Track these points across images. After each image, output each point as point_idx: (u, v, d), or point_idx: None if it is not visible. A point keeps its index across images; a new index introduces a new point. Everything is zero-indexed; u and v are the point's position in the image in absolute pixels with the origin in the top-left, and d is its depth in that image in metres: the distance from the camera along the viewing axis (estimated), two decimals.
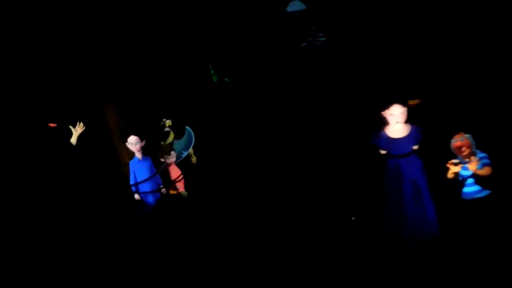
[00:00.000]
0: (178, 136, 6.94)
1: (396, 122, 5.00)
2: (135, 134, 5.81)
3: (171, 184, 6.29)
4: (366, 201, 5.52)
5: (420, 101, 7.10)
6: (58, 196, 5.70)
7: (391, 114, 4.99)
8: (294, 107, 7.38)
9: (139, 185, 5.91)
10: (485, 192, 5.12)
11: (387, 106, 4.98)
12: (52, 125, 5.82)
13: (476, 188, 5.15)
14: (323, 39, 8.17)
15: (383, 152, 5.18)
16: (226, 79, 8.34)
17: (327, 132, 7.01)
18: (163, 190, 6.07)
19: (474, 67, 6.65)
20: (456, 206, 5.01)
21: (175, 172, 6.41)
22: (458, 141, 5.06)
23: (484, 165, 5.05)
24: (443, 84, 6.90)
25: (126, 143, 5.88)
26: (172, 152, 6.39)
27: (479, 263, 4.59)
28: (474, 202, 5.12)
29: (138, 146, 5.87)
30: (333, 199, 6.13)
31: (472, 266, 4.58)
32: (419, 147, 5.12)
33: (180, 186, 6.41)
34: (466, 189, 5.18)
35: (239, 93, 8.01)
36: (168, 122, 6.85)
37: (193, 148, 6.98)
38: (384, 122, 5.14)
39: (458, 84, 6.71)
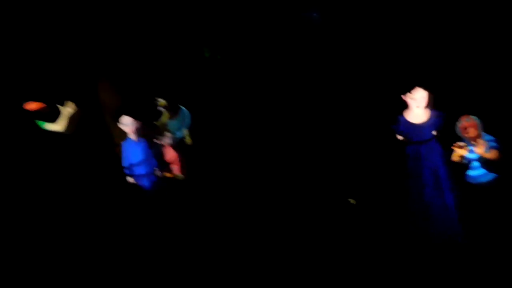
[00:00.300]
0: (172, 116, 6.69)
1: (417, 107, 4.76)
2: (130, 115, 5.55)
3: (166, 166, 6.05)
4: (387, 189, 5.36)
5: None
6: (47, 179, 5.44)
7: (412, 98, 4.75)
8: (295, 84, 7.14)
9: (133, 168, 5.67)
10: (491, 176, 5.02)
11: (409, 89, 4.75)
12: (38, 105, 5.44)
13: (481, 171, 5.05)
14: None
15: (400, 138, 4.97)
16: (218, 56, 8.13)
17: (340, 118, 6.82)
18: (158, 172, 5.84)
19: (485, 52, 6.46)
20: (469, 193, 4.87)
21: (170, 154, 6.15)
22: (464, 122, 4.94)
23: (491, 148, 4.93)
24: (452, 68, 6.74)
25: (120, 124, 5.61)
26: (168, 133, 6.14)
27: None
28: (480, 186, 5.04)
29: (133, 127, 5.60)
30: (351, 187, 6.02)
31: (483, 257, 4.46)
32: (439, 133, 4.93)
33: (176, 168, 6.17)
34: (471, 172, 5.09)
35: (236, 71, 7.75)
36: (162, 102, 6.59)
37: (188, 129, 6.79)
38: (404, 107, 4.91)
39: (466, 68, 6.53)
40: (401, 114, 4.87)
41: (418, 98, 4.70)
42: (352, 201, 6.07)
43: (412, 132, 4.80)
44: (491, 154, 4.91)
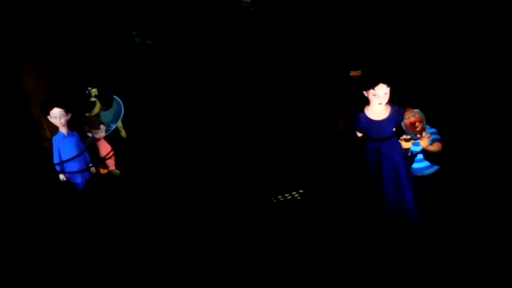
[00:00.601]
0: (105, 107, 6.20)
1: (379, 103, 4.56)
2: (59, 106, 5.02)
3: (101, 161, 5.57)
4: (347, 187, 5.21)
5: (361, 73, 6.96)
6: None
7: (374, 95, 4.51)
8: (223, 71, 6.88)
9: (65, 164, 5.15)
10: (434, 168, 5.04)
11: (371, 85, 4.49)
12: None
13: (425, 164, 5.05)
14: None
15: (360, 135, 4.81)
16: (148, 41, 7.74)
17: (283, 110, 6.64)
18: (93, 169, 5.34)
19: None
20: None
21: (105, 148, 5.65)
22: (411, 117, 4.88)
23: (434, 140, 4.94)
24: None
25: (48, 117, 5.07)
26: (102, 126, 5.66)
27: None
28: (424, 178, 5.05)
29: (63, 120, 5.06)
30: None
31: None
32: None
33: (111, 163, 5.67)
34: (415, 165, 5.07)
35: (169, 57, 7.37)
36: (94, 91, 6.09)
37: (122, 120, 6.34)
38: (362, 102, 4.67)
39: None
40: (360, 110, 4.71)
41: (381, 95, 4.52)
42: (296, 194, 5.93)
43: (373, 129, 4.62)
44: (435, 147, 4.92)
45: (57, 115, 5.02)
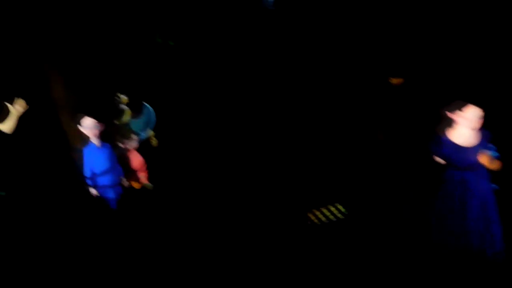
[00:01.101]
0: (135, 115, 5.85)
1: (469, 128, 3.96)
2: (92, 116, 4.64)
3: (132, 174, 5.20)
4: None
5: (403, 80, 6.59)
6: None
7: (465, 118, 3.93)
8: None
9: (97, 178, 4.77)
10: (493, 187, 4.63)
11: (461, 106, 3.93)
12: None
13: None
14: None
15: (440, 161, 4.14)
16: (170, 42, 7.39)
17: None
18: (126, 183, 4.98)
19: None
20: None
21: (136, 159, 5.29)
22: None
23: (494, 158, 4.53)
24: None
25: (80, 127, 4.69)
26: (134, 136, 5.28)
27: None
28: None
29: (96, 131, 4.71)
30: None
31: None
32: None
33: (143, 176, 5.32)
34: None
35: (200, 64, 7.01)
36: (125, 98, 5.72)
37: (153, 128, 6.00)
38: (443, 123, 4.08)
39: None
40: (439, 132, 4.17)
41: (472, 118, 4.00)
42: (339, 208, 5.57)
43: (457, 156, 4.02)
44: (494, 165, 4.51)
45: (90, 125, 4.65)
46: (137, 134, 5.44)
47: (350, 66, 6.74)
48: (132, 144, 5.25)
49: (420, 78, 6.34)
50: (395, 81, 6.45)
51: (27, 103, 4.54)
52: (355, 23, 6.72)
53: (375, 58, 6.64)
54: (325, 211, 5.63)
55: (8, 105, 4.49)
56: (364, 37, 6.70)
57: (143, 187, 5.24)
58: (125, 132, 5.29)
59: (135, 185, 5.18)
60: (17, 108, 4.53)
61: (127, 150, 5.25)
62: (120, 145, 5.20)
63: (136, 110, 5.79)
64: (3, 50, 4.86)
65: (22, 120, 4.55)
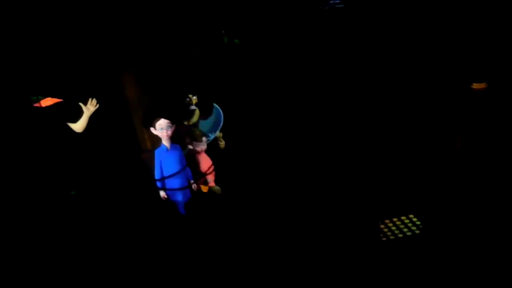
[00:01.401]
0: (205, 116, 5.74)
1: None
2: (166, 117, 4.55)
3: (201, 177, 5.09)
4: None
5: (487, 85, 6.19)
6: (60, 193, 4.51)
7: None
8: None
9: (167, 180, 4.69)
10: None
11: None
12: (54, 100, 4.47)
13: None
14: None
15: None
16: (236, 40, 7.23)
17: None
18: (194, 186, 4.88)
19: None
20: None
21: (205, 162, 5.18)
22: None
23: None
24: None
25: (152, 128, 4.62)
26: (204, 138, 5.17)
27: None
28: None
29: (170, 132, 4.62)
30: None
31: None
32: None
33: (211, 179, 5.21)
34: None
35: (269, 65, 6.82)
36: (195, 99, 5.62)
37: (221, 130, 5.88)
38: None
39: None
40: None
41: None
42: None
43: None
44: None
45: (164, 127, 4.57)
46: (206, 135, 5.34)
47: (431, 71, 6.40)
48: (201, 146, 5.15)
49: (503, 83, 5.93)
50: (477, 86, 6.07)
51: (100, 103, 4.52)
52: (437, 25, 6.37)
53: (456, 62, 6.26)
54: (398, 222, 5.34)
55: (81, 104, 4.48)
56: (446, 41, 6.35)
57: (211, 191, 5.14)
58: (195, 133, 5.18)
59: (204, 188, 5.07)
60: (89, 108, 4.52)
61: (196, 152, 5.16)
62: (190, 147, 5.12)
63: (205, 111, 5.67)
64: (78, 49, 4.85)
65: (93, 120, 4.55)
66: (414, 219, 5.37)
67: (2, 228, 4.41)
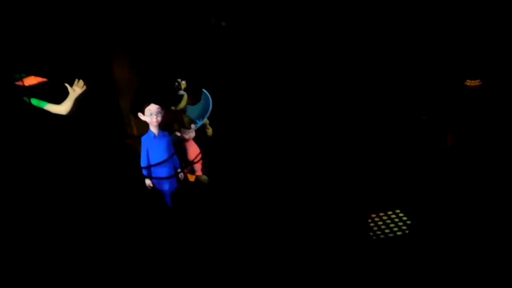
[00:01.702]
0: (193, 101, 5.53)
1: None
2: (156, 102, 4.34)
3: (188, 165, 4.92)
4: None
5: (481, 83, 6.12)
6: (42, 176, 4.29)
7: None
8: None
9: (153, 169, 4.49)
10: None
11: None
12: (38, 79, 4.23)
13: None
14: None
15: None
16: (223, 23, 7.01)
17: None
18: (181, 175, 4.70)
19: None
20: None
21: (193, 150, 5.00)
22: None
23: None
24: None
25: (141, 114, 4.42)
26: (193, 125, 4.98)
27: None
28: None
29: (159, 118, 4.42)
30: None
31: None
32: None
33: (198, 168, 5.04)
34: None
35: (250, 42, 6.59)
36: (184, 84, 5.41)
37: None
38: None
39: None
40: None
41: None
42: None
43: None
44: None
45: (153, 112, 4.37)
46: (195, 122, 5.15)
47: (423, 67, 6.29)
48: (190, 133, 4.97)
49: (498, 80, 5.86)
50: (471, 83, 5.99)
51: (87, 84, 4.29)
52: (432, 21, 6.25)
53: (450, 59, 6.17)
54: (385, 217, 5.28)
55: (68, 86, 4.24)
56: (440, 36, 6.24)
57: (198, 180, 4.98)
58: (183, 120, 4.98)
59: (190, 177, 4.91)
60: (75, 89, 4.29)
61: (184, 139, 4.98)
62: (178, 134, 4.93)
63: (195, 96, 5.48)
64: (67, 28, 4.60)
65: (79, 102, 4.32)
66: (401, 215, 5.32)
67: None
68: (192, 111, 5.61)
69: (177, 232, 4.48)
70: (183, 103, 5.50)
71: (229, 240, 4.55)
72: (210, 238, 4.52)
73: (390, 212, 5.31)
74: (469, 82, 6.05)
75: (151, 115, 4.37)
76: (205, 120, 5.75)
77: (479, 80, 6.01)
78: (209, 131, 5.78)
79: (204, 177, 5.04)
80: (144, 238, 4.32)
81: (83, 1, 4.55)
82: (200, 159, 5.04)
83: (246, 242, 4.54)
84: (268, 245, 4.51)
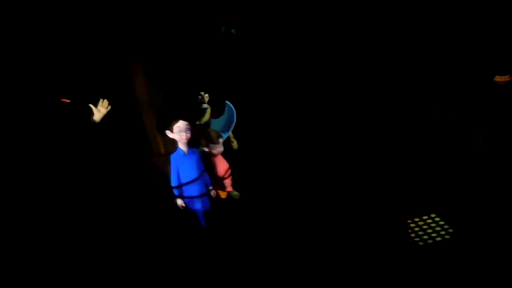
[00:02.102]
0: (217, 114, 5.34)
1: None
2: (184, 118, 4.15)
3: (218, 182, 4.71)
4: None
5: (511, 78, 5.91)
6: (69, 199, 4.09)
7: None
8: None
9: (184, 188, 4.29)
10: None
11: None
12: (65, 100, 4.04)
13: None
14: None
15: None
16: (232, 30, 6.83)
17: None
18: (213, 192, 4.49)
19: None
20: None
21: (222, 165, 4.81)
22: None
23: None
24: None
25: (169, 132, 4.22)
26: (221, 139, 4.78)
27: None
28: None
29: (189, 134, 4.21)
30: None
31: None
32: None
33: (229, 183, 4.84)
34: None
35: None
36: (207, 97, 5.22)
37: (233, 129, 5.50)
38: None
39: None
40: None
41: None
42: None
43: None
44: None
45: (182, 129, 4.17)
46: (222, 136, 4.95)
47: (449, 64, 6.09)
48: (218, 148, 4.77)
49: None
50: (500, 79, 5.78)
51: (111, 104, 4.10)
52: (458, 14, 6.06)
53: (478, 54, 5.97)
54: (421, 223, 5.07)
55: (92, 106, 4.05)
56: (465, 31, 6.04)
57: (229, 196, 4.78)
58: (211, 134, 4.78)
59: (222, 194, 4.70)
60: (100, 110, 4.10)
61: (212, 155, 4.78)
62: (205, 149, 4.73)
63: (218, 109, 5.29)
64: (88, 48, 4.41)
65: (105, 122, 4.13)
66: (437, 219, 5.12)
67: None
68: (216, 124, 5.42)
69: (212, 252, 4.26)
70: (206, 117, 5.33)
71: (266, 258, 4.34)
72: (246, 256, 4.30)
73: (425, 217, 5.11)
74: (498, 78, 5.83)
75: (180, 132, 4.17)
76: (230, 133, 5.57)
77: (508, 76, 5.80)
78: (234, 143, 5.59)
79: (236, 193, 4.83)
80: (181, 260, 4.09)
81: (100, 19, 4.36)
82: (230, 174, 4.84)
83: (284, 259, 4.33)
84: (307, 259, 4.30)
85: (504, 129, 5.64)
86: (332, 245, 4.44)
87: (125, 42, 4.52)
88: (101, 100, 4.04)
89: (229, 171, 4.83)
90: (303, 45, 6.29)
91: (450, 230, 4.90)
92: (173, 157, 4.29)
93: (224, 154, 5.02)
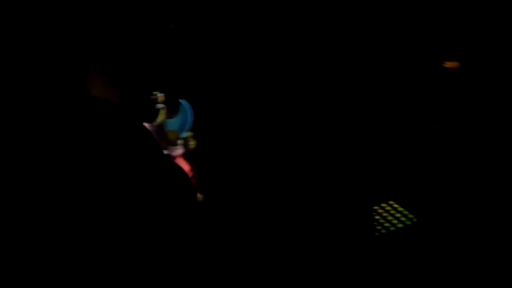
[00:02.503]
0: (172, 114, 5.17)
1: None
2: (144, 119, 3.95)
3: None
4: None
5: (460, 65, 6.08)
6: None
7: None
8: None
9: None
10: None
11: None
12: None
13: None
14: None
15: None
16: (171, 25, 6.69)
17: None
18: None
19: None
20: None
21: (183, 167, 4.67)
22: None
23: None
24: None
25: None
26: (179, 140, 4.64)
27: None
28: None
29: None
30: None
31: None
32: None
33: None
34: None
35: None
36: (161, 96, 5.04)
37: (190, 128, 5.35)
38: None
39: None
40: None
41: None
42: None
43: None
44: None
45: None
46: (180, 137, 4.81)
47: (399, 49, 6.18)
48: (179, 150, 4.62)
49: (479, 61, 5.83)
50: (450, 65, 5.94)
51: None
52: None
53: (427, 40, 6.09)
54: (380, 210, 5.16)
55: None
56: (413, 15, 6.13)
57: None
58: (168, 136, 4.63)
59: None
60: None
61: (172, 157, 4.63)
62: (167, 152, 4.58)
63: (173, 109, 5.13)
64: (43, 46, 4.12)
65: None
66: (396, 206, 5.23)
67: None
68: (172, 124, 5.26)
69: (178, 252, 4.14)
70: (160, 118, 5.15)
71: (235, 252, 4.30)
72: (215, 258, 4.23)
73: (384, 205, 5.22)
74: (447, 64, 5.99)
75: None
76: (187, 133, 5.42)
77: (458, 62, 5.97)
78: (192, 143, 5.44)
79: (199, 196, 4.71)
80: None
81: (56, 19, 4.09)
82: (193, 176, 4.72)
83: (252, 253, 4.31)
84: (274, 254, 4.30)
85: (457, 113, 5.82)
86: (293, 240, 4.48)
87: (78, 42, 4.27)
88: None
89: (192, 173, 4.71)
90: (262, 41, 6.22)
91: (411, 216, 5.01)
92: None
93: (185, 155, 4.91)
